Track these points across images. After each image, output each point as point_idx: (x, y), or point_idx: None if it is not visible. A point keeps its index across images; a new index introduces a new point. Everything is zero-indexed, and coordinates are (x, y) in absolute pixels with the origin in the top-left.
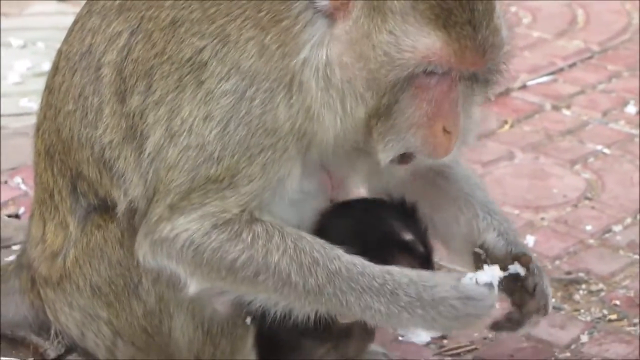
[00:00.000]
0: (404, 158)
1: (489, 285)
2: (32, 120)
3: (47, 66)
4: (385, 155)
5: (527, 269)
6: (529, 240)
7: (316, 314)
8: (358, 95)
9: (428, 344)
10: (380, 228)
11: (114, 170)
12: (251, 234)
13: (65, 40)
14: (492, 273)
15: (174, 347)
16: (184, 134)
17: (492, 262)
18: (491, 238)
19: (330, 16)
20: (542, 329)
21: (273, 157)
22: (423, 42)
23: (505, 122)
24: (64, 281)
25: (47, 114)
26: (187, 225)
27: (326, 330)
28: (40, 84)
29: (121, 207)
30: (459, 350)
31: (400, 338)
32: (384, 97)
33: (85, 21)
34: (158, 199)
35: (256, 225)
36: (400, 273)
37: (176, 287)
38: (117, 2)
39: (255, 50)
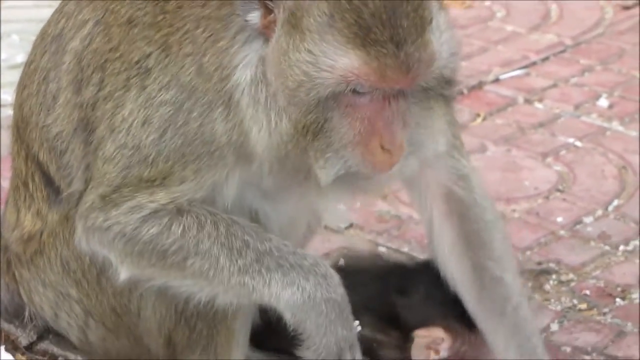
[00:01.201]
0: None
1: None
2: (8, 112)
3: (21, 58)
4: (325, 173)
5: None
6: None
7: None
8: (281, 110)
9: None
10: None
11: (61, 161)
12: (181, 226)
13: (48, 20)
14: None
15: (143, 328)
16: (123, 131)
17: None
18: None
19: (263, 34)
20: None
21: (208, 163)
22: (341, 61)
23: (478, 115)
24: (37, 257)
25: (18, 88)
26: (119, 218)
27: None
28: (15, 76)
29: (66, 197)
30: None
31: None
32: (310, 114)
33: (65, 3)
34: (92, 186)
35: (186, 217)
36: (326, 265)
37: None
38: None
39: (193, 69)
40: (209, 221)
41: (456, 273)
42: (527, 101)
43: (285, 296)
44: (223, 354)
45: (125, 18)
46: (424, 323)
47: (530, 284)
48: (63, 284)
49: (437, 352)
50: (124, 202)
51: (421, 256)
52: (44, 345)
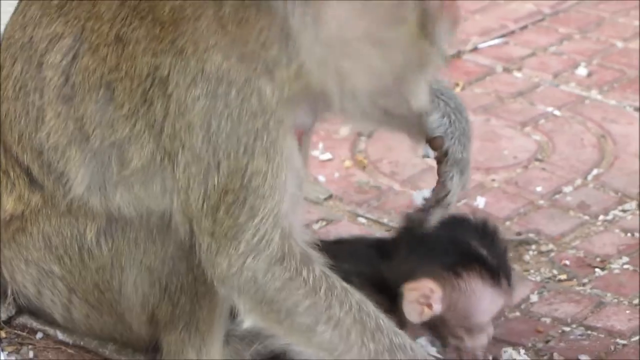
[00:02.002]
0: None
1: None
2: None
3: None
4: (443, 47)
5: (444, 153)
6: (480, 201)
7: None
8: (393, 21)
9: None
10: (460, 242)
11: (51, 168)
12: (312, 277)
13: (10, 19)
14: None
15: (126, 305)
16: (180, 151)
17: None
18: (433, 119)
19: None
20: None
21: (270, 138)
22: None
23: (457, 84)
24: (19, 235)
25: None
26: (244, 261)
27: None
28: None
29: (62, 201)
30: None
31: None
32: (418, 4)
33: (27, 8)
34: (194, 225)
35: (315, 265)
36: None
37: (130, 240)
38: (55, 1)
39: (219, 56)
40: (337, 284)
41: None
42: (506, 70)
43: None
44: (205, 329)
45: (112, 37)
46: (411, 278)
47: (509, 254)
48: (45, 260)
49: (429, 306)
50: (236, 238)
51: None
52: (23, 319)
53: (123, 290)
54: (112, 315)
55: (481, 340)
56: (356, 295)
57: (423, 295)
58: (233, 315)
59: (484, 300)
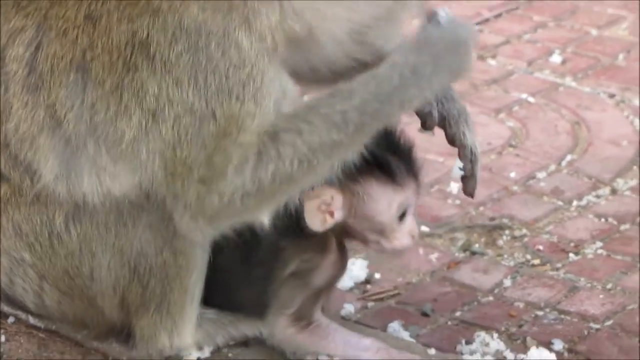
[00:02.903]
0: None
1: None
2: None
3: None
4: None
5: (442, 119)
6: (453, 187)
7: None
8: None
9: (351, 289)
10: None
11: (18, 160)
12: (286, 145)
13: None
14: None
15: (96, 289)
16: (166, 107)
17: None
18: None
19: None
20: (465, 273)
21: (256, 85)
22: None
23: None
24: None
25: None
26: (232, 186)
27: (304, 238)
28: None
29: (30, 192)
30: (382, 295)
31: None
32: None
33: None
34: (182, 179)
35: (281, 135)
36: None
37: (99, 224)
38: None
39: (194, 8)
40: (299, 122)
41: None
42: (480, 57)
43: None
44: (176, 312)
45: (81, 18)
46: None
47: (483, 240)
48: (16, 248)
49: (331, 214)
50: (225, 168)
51: None
52: None
53: (94, 274)
54: (83, 300)
55: (402, 240)
56: (313, 108)
57: (324, 203)
58: (205, 298)
59: (381, 200)
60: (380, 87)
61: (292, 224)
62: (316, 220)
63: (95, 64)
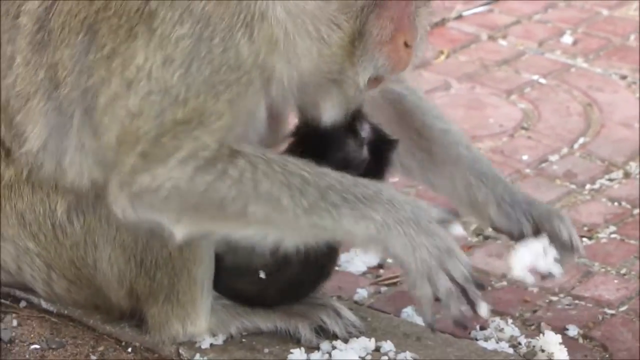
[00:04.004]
0: (372, 81)
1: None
2: None
3: None
4: (362, 78)
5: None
6: None
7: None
8: (332, 20)
9: (364, 273)
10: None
11: (14, 121)
12: (237, 169)
13: None
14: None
15: (102, 280)
16: (143, 80)
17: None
18: (494, 213)
19: None
20: (478, 258)
21: (239, 91)
22: None
23: (441, 52)
24: None
25: None
26: (169, 174)
27: None
28: None
29: (19, 156)
30: (395, 280)
31: (337, 268)
32: (357, 20)
33: None
34: (126, 148)
35: (239, 159)
36: (389, 189)
37: (102, 217)
38: None
39: None
40: (261, 160)
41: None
42: (491, 38)
43: (359, 232)
44: (187, 301)
45: None
46: None
47: None
48: (20, 237)
49: None
50: (170, 155)
51: None
52: (6, 288)
53: (98, 266)
54: (91, 288)
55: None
56: (279, 161)
57: None
58: (220, 286)
59: None
60: (351, 191)
61: None
62: None
63: (104, 25)
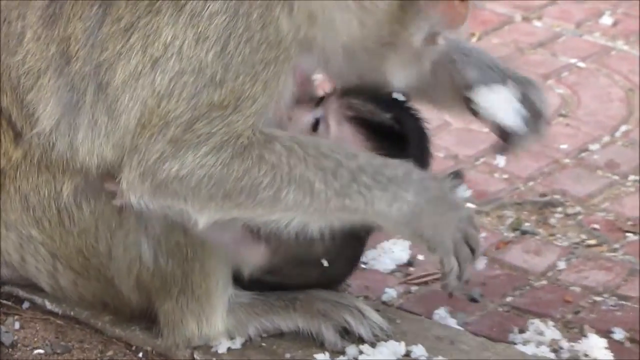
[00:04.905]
0: (429, 39)
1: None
2: None
3: None
4: (416, 38)
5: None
6: (499, 160)
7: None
8: None
9: (393, 271)
10: None
11: (25, 100)
12: (274, 154)
13: None
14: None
15: (114, 270)
16: (173, 58)
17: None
18: (474, 74)
19: None
20: (516, 254)
21: (276, 70)
22: None
23: (473, 34)
24: None
25: None
26: (201, 161)
27: None
28: None
29: (30, 138)
30: (426, 279)
31: (363, 266)
32: None
33: None
34: (152, 133)
35: (274, 144)
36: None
37: (107, 200)
38: None
39: None
40: (295, 144)
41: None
42: (525, 19)
43: (392, 213)
44: (202, 295)
45: None
46: None
47: (534, 217)
48: (23, 223)
49: None
50: (203, 142)
51: None
52: (8, 288)
53: (113, 254)
54: (99, 281)
55: None
56: (312, 143)
57: None
58: (240, 282)
59: None
60: (382, 172)
61: None
62: None
63: None
